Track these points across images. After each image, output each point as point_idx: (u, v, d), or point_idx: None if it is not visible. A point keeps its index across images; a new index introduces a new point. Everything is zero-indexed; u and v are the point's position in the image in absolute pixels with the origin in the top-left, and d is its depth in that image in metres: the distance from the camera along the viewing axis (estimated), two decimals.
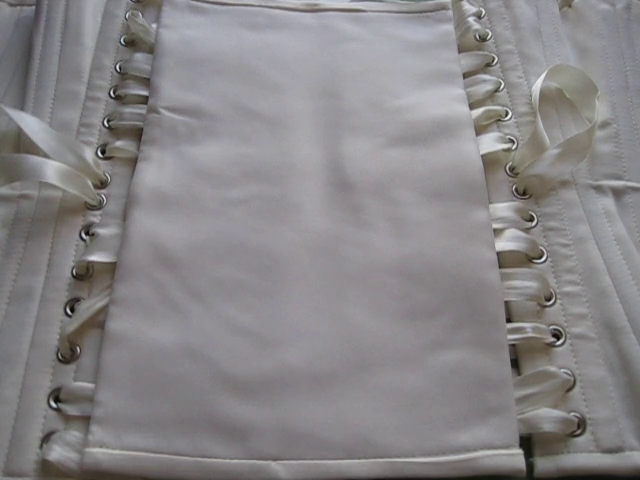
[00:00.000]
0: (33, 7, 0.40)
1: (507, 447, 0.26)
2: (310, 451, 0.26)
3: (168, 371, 0.27)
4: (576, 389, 0.28)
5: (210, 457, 0.26)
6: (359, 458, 0.26)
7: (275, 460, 0.26)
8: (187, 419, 0.26)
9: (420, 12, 0.40)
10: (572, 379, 0.28)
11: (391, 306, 0.29)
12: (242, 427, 0.26)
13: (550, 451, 0.27)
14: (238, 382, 0.27)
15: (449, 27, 0.39)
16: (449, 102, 0.36)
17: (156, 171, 0.32)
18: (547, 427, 0.27)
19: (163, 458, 0.26)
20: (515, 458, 0.26)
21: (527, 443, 0.27)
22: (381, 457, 0.26)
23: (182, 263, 0.30)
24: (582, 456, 0.26)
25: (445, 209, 0.32)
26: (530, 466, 0.26)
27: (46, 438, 0.26)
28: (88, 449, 0.25)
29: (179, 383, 0.27)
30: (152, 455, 0.26)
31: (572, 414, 0.27)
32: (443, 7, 0.40)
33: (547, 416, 0.27)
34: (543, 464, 0.26)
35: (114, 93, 0.36)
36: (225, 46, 0.38)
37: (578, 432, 0.27)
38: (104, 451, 0.25)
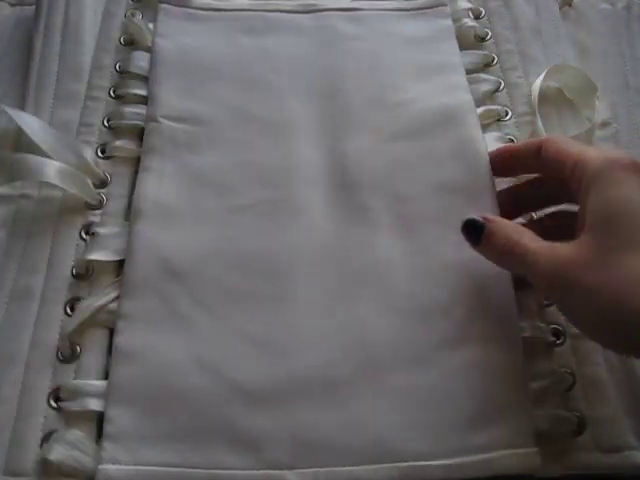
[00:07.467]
0: (33, 7, 0.40)
1: (521, 446, 0.26)
2: (324, 459, 0.26)
3: (179, 384, 0.27)
4: (576, 388, 0.28)
5: (225, 469, 0.25)
6: (374, 463, 0.25)
7: (290, 469, 0.25)
8: (200, 432, 0.26)
9: (418, 9, 0.40)
10: (572, 378, 0.28)
11: (400, 305, 0.29)
12: (256, 437, 0.26)
13: (550, 450, 0.26)
14: (250, 392, 0.27)
15: (448, 22, 0.39)
16: (451, 91, 0.35)
17: (157, 182, 0.32)
18: (547, 426, 0.27)
19: (177, 472, 0.25)
20: (531, 457, 0.26)
21: None
22: (396, 461, 0.25)
23: (188, 274, 0.29)
24: (582, 455, 0.26)
25: (451, 202, 0.31)
26: None
27: (46, 437, 0.26)
28: (101, 466, 0.25)
29: (190, 396, 0.27)
30: (166, 469, 0.25)
31: (572, 413, 0.27)
32: (440, 3, 0.40)
33: (547, 415, 0.27)
34: (543, 463, 0.26)
35: (114, 92, 0.36)
36: (222, 53, 0.37)
37: (578, 431, 0.27)
38: (117, 467, 0.25)
